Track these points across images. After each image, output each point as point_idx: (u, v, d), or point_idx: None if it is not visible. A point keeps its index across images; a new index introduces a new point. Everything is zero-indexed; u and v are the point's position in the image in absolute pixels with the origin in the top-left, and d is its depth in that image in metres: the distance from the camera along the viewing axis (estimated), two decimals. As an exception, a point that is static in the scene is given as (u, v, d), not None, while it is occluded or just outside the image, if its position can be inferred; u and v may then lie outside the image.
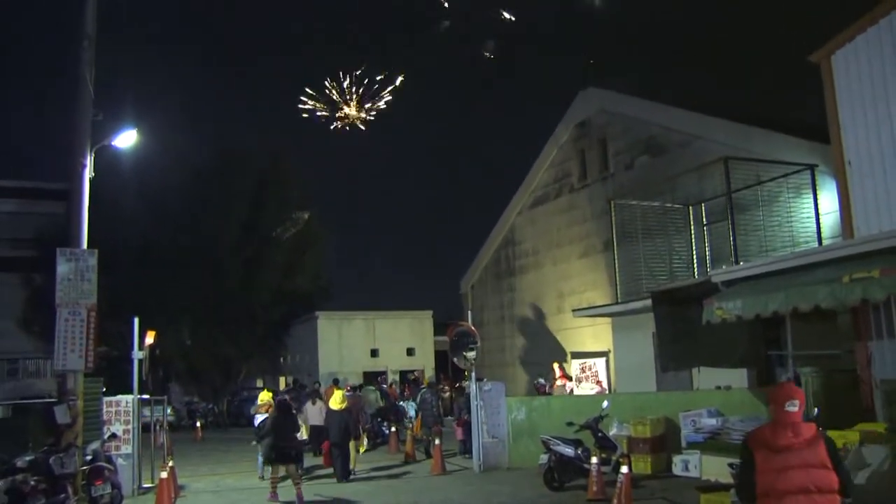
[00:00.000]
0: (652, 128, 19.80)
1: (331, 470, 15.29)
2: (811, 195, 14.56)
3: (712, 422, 12.49)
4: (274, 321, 33.23)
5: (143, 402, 14.46)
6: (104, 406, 13.27)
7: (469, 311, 20.30)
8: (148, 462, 14.49)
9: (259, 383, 38.69)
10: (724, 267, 14.01)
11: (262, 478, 13.91)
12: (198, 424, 27.64)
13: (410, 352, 37.00)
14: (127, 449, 13.31)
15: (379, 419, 21.20)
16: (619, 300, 18.25)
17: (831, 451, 4.36)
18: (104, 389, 13.35)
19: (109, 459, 11.83)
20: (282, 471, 12.56)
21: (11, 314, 31.04)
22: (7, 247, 34.67)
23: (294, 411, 15.74)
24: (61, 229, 16.08)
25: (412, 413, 19.79)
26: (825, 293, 9.66)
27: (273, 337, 34.58)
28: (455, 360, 15.61)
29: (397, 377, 34.78)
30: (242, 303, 31.09)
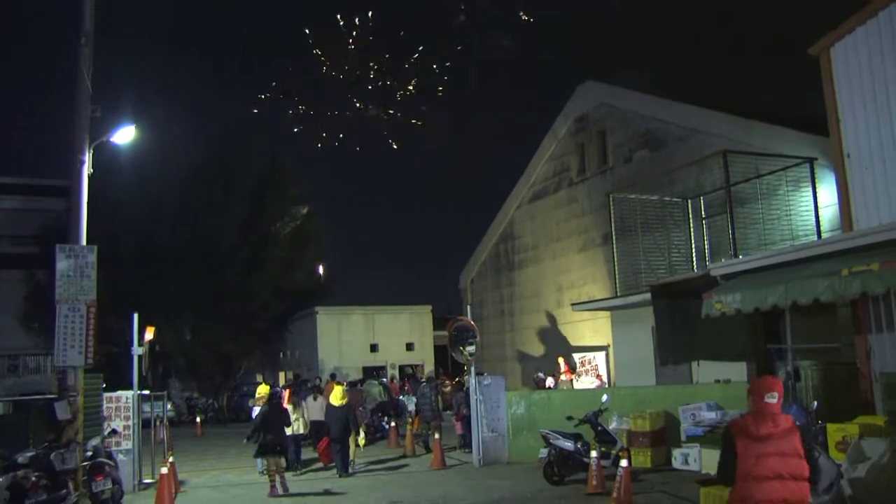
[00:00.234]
0: (651, 121, 19.79)
1: (328, 464, 15.41)
2: (810, 188, 14.56)
3: (712, 415, 12.51)
4: (273, 316, 33.26)
5: (143, 398, 14.48)
6: (104, 402, 13.29)
7: (468, 306, 20.31)
8: (148, 457, 14.53)
9: (259, 378, 38.76)
10: (723, 260, 14.01)
11: (262, 473, 13.95)
12: (198, 420, 27.70)
13: (410, 347, 37.01)
14: (127, 444, 13.35)
15: (379, 414, 21.24)
16: (619, 294, 18.26)
17: (805, 441, 4.76)
18: (104, 385, 13.36)
19: (110, 455, 11.87)
20: (281, 462, 12.71)
21: (12, 311, 31.06)
22: (7, 243, 34.68)
23: (293, 405, 15.92)
24: (61, 226, 16.09)
25: (412, 408, 19.83)
26: (824, 286, 9.66)
27: (272, 332, 34.63)
28: (454, 354, 15.62)
29: (397, 372, 34.83)
30: (242, 298, 31.12)
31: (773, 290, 10.41)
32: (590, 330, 21.42)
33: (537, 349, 24.25)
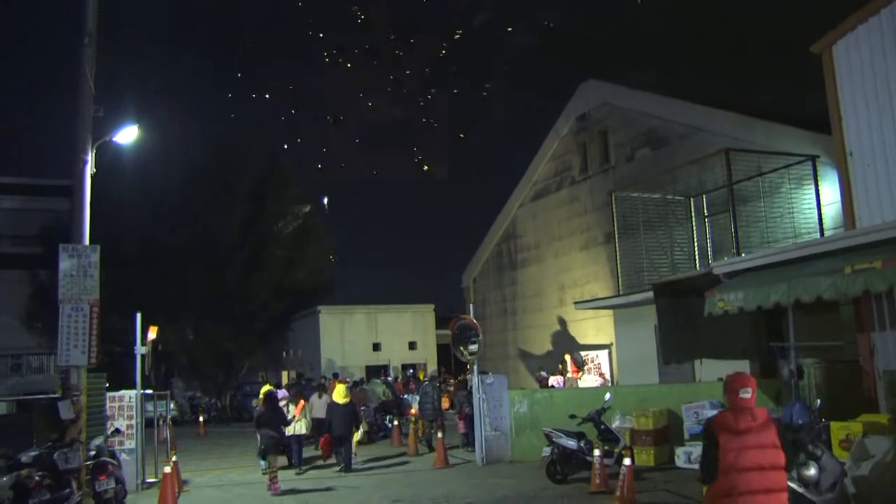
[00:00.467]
0: (652, 120, 19.77)
1: (330, 461, 15.60)
2: (813, 186, 14.54)
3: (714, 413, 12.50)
4: (275, 316, 33.27)
5: (146, 398, 14.50)
6: (108, 401, 13.30)
7: (471, 305, 20.31)
8: (151, 457, 14.55)
9: (261, 378, 38.80)
10: (725, 258, 14.01)
11: (265, 472, 13.99)
12: (201, 419, 27.73)
13: (412, 345, 36.99)
14: (130, 444, 13.36)
15: (382, 412, 21.25)
16: (621, 292, 18.25)
17: (780, 433, 5.02)
18: (107, 385, 13.38)
19: (113, 454, 11.88)
20: (281, 461, 12.78)
21: (15, 310, 31.11)
22: (10, 243, 34.74)
23: (295, 404, 16.04)
24: (64, 225, 16.11)
25: (416, 407, 19.85)
26: (827, 284, 9.65)
27: (274, 331, 34.64)
28: (456, 353, 15.64)
29: (399, 371, 34.84)
30: (244, 297, 31.14)
31: (776, 289, 10.40)
32: (592, 328, 21.41)
33: (540, 348, 24.24)
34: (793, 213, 14.88)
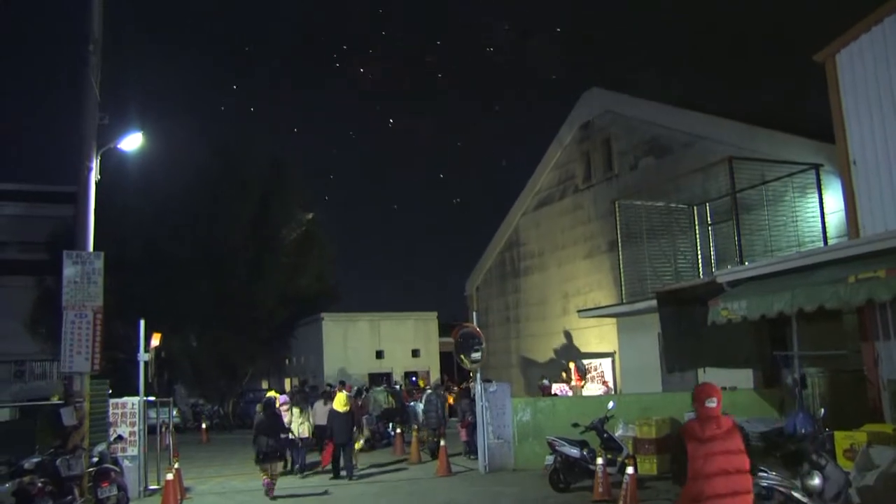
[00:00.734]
0: (656, 128, 19.79)
1: (326, 466, 15.79)
2: (816, 195, 14.53)
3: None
4: (279, 323, 33.29)
5: (149, 404, 14.49)
6: (110, 408, 13.31)
7: (474, 313, 20.33)
8: (154, 464, 14.54)
9: (264, 385, 38.76)
10: (729, 267, 13.99)
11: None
12: (203, 426, 27.70)
13: (415, 353, 36.97)
14: (133, 451, 13.34)
15: (385, 420, 21.22)
16: (625, 301, 18.23)
17: (744, 438, 5.33)
18: (110, 391, 13.39)
19: (116, 461, 11.88)
20: (278, 467, 12.90)
21: (19, 316, 31.15)
22: (15, 250, 34.84)
23: (299, 410, 16.14)
24: (68, 232, 16.14)
25: (421, 416, 19.84)
26: (830, 293, 9.64)
27: (278, 338, 34.63)
28: (459, 361, 15.64)
29: (402, 379, 34.81)
30: (247, 304, 31.16)
31: (779, 297, 10.39)
32: (596, 337, 21.38)
33: (543, 356, 24.21)
34: (796, 221, 14.87)
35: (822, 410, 10.01)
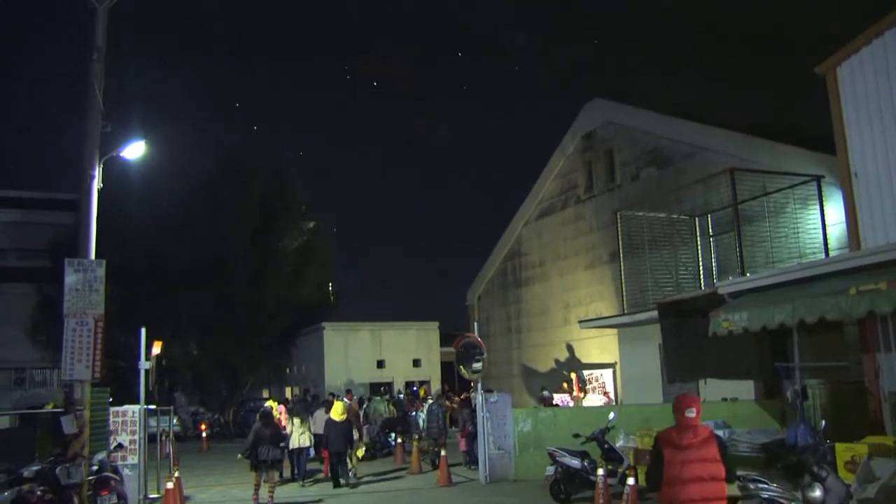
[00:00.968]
0: (658, 139, 19.83)
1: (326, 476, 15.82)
2: (818, 206, 14.55)
3: (719, 434, 12.42)
4: (280, 332, 33.26)
5: (149, 413, 14.47)
6: (111, 416, 13.28)
7: (475, 323, 20.31)
8: (154, 472, 14.50)
9: (265, 394, 38.70)
10: (730, 278, 13.99)
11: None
12: (204, 435, 27.65)
13: (417, 363, 36.93)
14: (133, 459, 13.31)
15: (386, 430, 21.19)
16: (626, 311, 18.22)
17: (721, 447, 5.49)
18: (111, 399, 13.37)
19: (116, 469, 11.85)
20: (275, 476, 12.91)
21: (20, 324, 31.15)
22: (16, 257, 34.87)
23: (300, 419, 16.13)
24: (70, 240, 16.16)
25: (422, 425, 19.82)
26: (831, 305, 9.64)
27: (279, 347, 34.59)
28: (460, 371, 15.64)
29: (404, 389, 34.77)
30: (249, 313, 31.15)
31: (781, 309, 10.39)
32: (597, 347, 21.36)
33: (544, 366, 24.18)
34: (798, 233, 14.88)
35: (824, 422, 9.99)
